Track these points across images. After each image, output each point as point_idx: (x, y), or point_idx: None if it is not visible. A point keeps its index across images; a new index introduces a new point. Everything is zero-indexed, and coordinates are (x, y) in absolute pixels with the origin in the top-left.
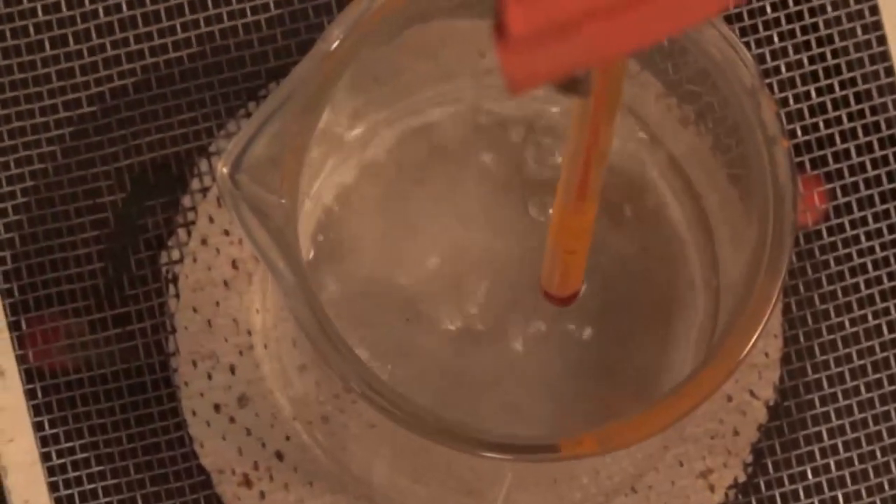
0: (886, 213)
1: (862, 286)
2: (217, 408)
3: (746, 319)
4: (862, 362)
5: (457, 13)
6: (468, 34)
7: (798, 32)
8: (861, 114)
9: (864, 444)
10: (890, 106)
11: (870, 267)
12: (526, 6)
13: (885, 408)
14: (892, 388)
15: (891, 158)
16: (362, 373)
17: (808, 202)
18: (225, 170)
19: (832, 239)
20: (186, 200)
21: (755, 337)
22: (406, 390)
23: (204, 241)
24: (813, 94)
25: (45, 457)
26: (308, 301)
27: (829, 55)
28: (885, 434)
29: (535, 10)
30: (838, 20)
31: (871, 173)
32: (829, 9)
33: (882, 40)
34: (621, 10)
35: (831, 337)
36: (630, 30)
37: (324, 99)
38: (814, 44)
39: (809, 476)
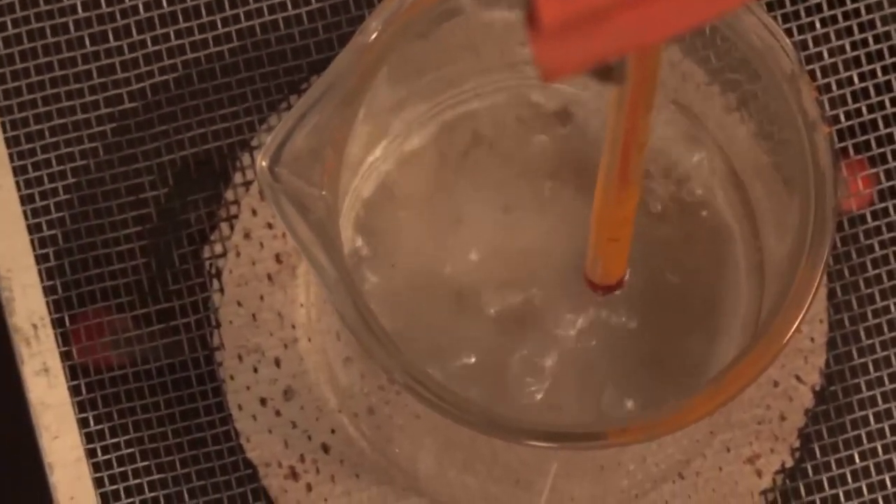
0: None
1: None
2: (263, 401)
3: (790, 304)
4: None
5: (494, 4)
6: (508, 25)
7: (840, 18)
8: None
9: None
10: None
11: None
12: None
13: None
14: None
15: None
16: (405, 365)
17: (852, 187)
18: (264, 163)
19: (876, 223)
20: (229, 194)
21: (798, 321)
22: (451, 381)
23: (247, 235)
24: (855, 79)
25: (91, 453)
26: (350, 294)
27: (871, 40)
28: None
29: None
30: (879, 5)
31: None
32: None
33: None
34: None
35: (877, 321)
36: (663, 17)
37: (363, 91)
38: (856, 29)
39: (857, 460)
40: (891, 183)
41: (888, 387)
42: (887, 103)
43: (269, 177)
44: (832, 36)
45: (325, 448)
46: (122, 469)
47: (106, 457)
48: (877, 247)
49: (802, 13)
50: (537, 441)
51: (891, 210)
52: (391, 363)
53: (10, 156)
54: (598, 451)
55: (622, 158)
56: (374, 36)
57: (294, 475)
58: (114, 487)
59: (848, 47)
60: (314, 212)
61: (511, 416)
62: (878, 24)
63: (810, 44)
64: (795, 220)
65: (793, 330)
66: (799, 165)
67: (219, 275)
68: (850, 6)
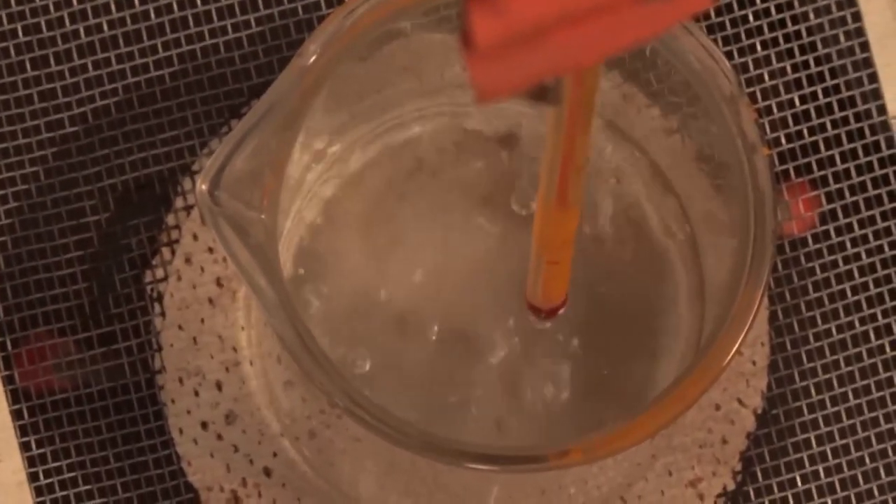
0: (872, 220)
1: (848, 293)
2: (204, 425)
3: (730, 326)
4: (849, 368)
5: (436, 28)
6: (449, 48)
7: (781, 40)
8: (845, 120)
9: (852, 450)
10: (874, 112)
11: (856, 273)
12: (491, 15)
13: (873, 413)
14: (880, 393)
15: (875, 165)
16: (345, 388)
17: (794, 210)
18: (204, 186)
19: (818, 246)
20: (170, 219)
21: (738, 343)
22: (392, 405)
23: (188, 260)
24: (797, 101)
25: (33, 476)
26: (290, 317)
27: (812, 63)
28: (873, 440)
29: (500, 19)
30: (821, 27)
31: (855, 180)
32: (811, 16)
33: (865, 46)
34: (588, 18)
35: (818, 344)
36: (597, 38)
37: (302, 114)
38: (797, 51)
39: (799, 483)
40: (832, 205)
41: (830, 410)
42: (828, 125)
43: (208, 200)
44: (773, 58)
45: (268, 472)
46: (64, 493)
47: (48, 480)
48: (818, 270)
49: (743, 35)
50: (476, 464)
51: (832, 233)
52: (330, 386)
53: None
54: (539, 474)
55: (561, 180)
56: (313, 58)
57: (236, 499)
58: None
59: (789, 69)
60: (254, 235)
61: (450, 438)
62: (819, 46)
63: (751, 66)
64: (735, 243)
65: (733, 352)
66: (738, 187)
67: (160, 299)
68: (791, 28)
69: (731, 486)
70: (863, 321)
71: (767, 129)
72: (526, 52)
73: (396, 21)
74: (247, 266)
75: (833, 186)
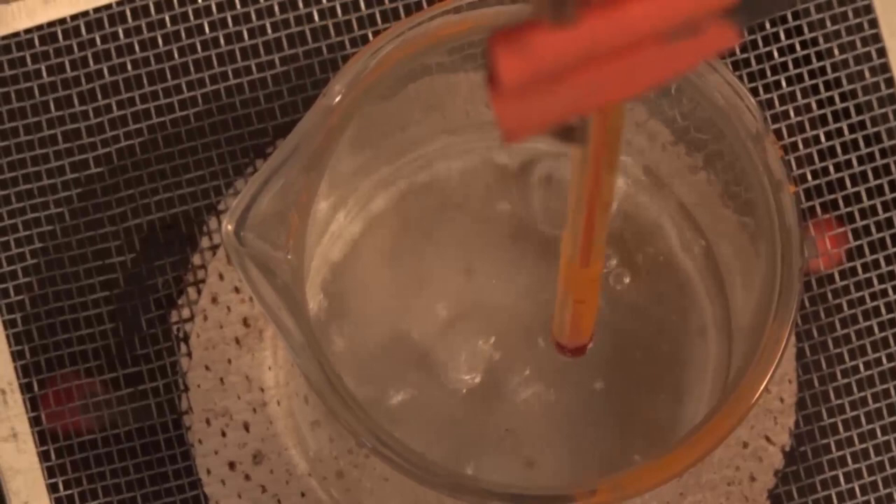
0: None
1: (876, 329)
2: (232, 465)
3: (757, 364)
4: (877, 405)
5: (460, 66)
6: (473, 86)
7: (806, 76)
8: (871, 157)
9: (881, 487)
10: None
11: (883, 310)
12: (517, 56)
13: None
14: None
15: None
16: (373, 428)
17: (821, 246)
18: (230, 227)
19: (845, 282)
20: (196, 259)
21: (766, 381)
22: (418, 444)
23: (214, 300)
24: (823, 137)
25: None
26: (316, 358)
27: (837, 99)
28: None
29: (525, 58)
30: (846, 63)
31: (882, 216)
32: (836, 52)
33: (890, 82)
34: (613, 57)
35: (846, 381)
36: (623, 77)
37: (328, 153)
38: (822, 87)
39: None
40: (859, 242)
41: (858, 447)
42: (854, 162)
43: (234, 241)
44: (798, 95)
45: None
46: None
47: None
48: (846, 306)
49: (768, 72)
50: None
51: (859, 269)
52: (358, 426)
53: None
54: None
55: (587, 219)
56: (338, 98)
57: None
58: None
59: (814, 105)
60: (279, 275)
61: (477, 478)
62: (844, 82)
63: (776, 102)
64: (762, 280)
65: (761, 390)
66: (765, 225)
67: (186, 339)
68: (815, 65)
69: None
70: (890, 358)
71: (794, 166)
72: (551, 91)
73: (421, 60)
74: (273, 306)
75: (860, 223)
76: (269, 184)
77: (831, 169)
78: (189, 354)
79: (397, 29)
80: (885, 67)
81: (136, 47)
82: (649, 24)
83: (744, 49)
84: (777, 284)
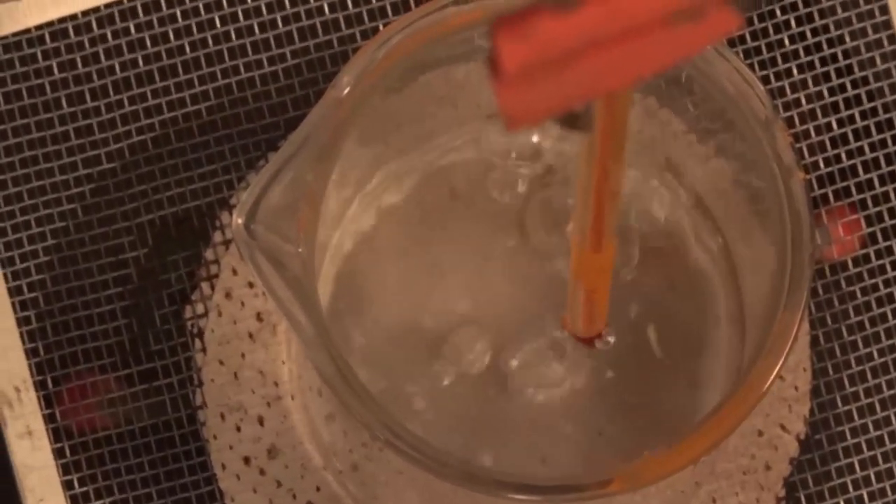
0: None
1: (890, 316)
2: (247, 460)
3: (769, 351)
4: (892, 392)
5: (471, 57)
6: (485, 78)
7: (817, 64)
8: (884, 143)
9: None
10: None
11: None
12: (519, 42)
13: None
14: None
15: None
16: (385, 420)
17: (834, 233)
18: (240, 220)
19: (858, 270)
20: (209, 254)
21: (778, 367)
22: (433, 436)
23: (228, 295)
24: (834, 125)
25: None
26: (328, 350)
27: (849, 86)
28: None
29: (527, 44)
30: (857, 50)
31: (895, 202)
32: (847, 39)
33: None
34: (616, 43)
35: (860, 368)
36: (626, 63)
37: (338, 145)
38: (833, 75)
39: None
40: (872, 229)
41: (873, 434)
42: (866, 149)
43: (244, 234)
44: (810, 82)
45: None
46: None
47: None
48: (859, 293)
49: (779, 59)
50: (517, 494)
51: (872, 256)
52: (370, 419)
53: None
54: None
55: (596, 208)
56: (347, 90)
57: None
58: None
59: (826, 93)
60: (290, 268)
61: (490, 468)
62: (856, 69)
63: (788, 91)
64: (773, 267)
65: (773, 377)
66: (775, 211)
67: (200, 334)
68: (827, 51)
69: None
70: None
71: (805, 154)
72: (554, 77)
73: (430, 51)
74: (284, 299)
75: (873, 210)
76: (279, 176)
77: (844, 156)
78: (203, 350)
79: (406, 19)
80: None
81: (148, 42)
82: (651, 8)
83: (755, 37)
84: (788, 271)
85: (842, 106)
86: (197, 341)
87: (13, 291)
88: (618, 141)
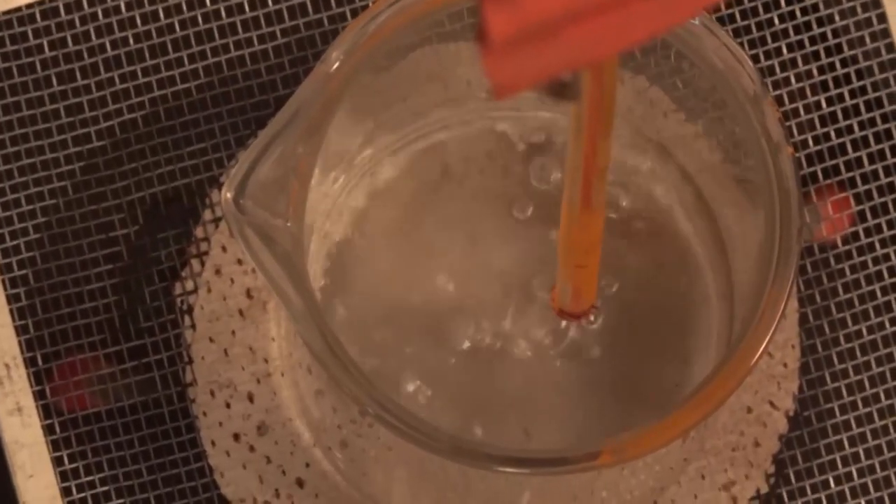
0: None
1: (878, 293)
2: (236, 437)
3: (757, 326)
4: (881, 369)
5: (461, 35)
6: (475, 56)
7: (807, 43)
8: (872, 122)
9: (885, 451)
10: None
11: (886, 274)
12: (505, 10)
13: None
14: None
15: None
16: (374, 394)
17: (823, 212)
18: (229, 195)
19: (847, 248)
20: (199, 231)
21: (765, 342)
22: (422, 412)
23: (218, 272)
24: (824, 103)
25: (66, 491)
26: (318, 325)
27: (838, 65)
28: None
29: (514, 13)
30: (847, 29)
31: (884, 181)
32: (837, 18)
33: (891, 48)
34: (601, 11)
35: (849, 345)
36: (611, 31)
37: (327, 121)
38: (823, 54)
39: (832, 485)
40: (861, 207)
41: (862, 411)
42: (856, 127)
43: (234, 209)
44: (799, 61)
45: (300, 483)
46: None
47: (81, 495)
48: (848, 271)
49: (769, 38)
50: (506, 467)
51: (861, 234)
52: (360, 393)
53: None
54: (571, 478)
55: (584, 183)
56: (336, 65)
57: None
58: None
59: (815, 72)
60: (280, 243)
61: (480, 441)
62: (846, 48)
63: (777, 69)
64: (762, 243)
65: (760, 351)
66: (764, 187)
67: (190, 311)
68: (816, 31)
69: (765, 489)
70: (893, 321)
71: (795, 132)
72: (540, 45)
73: (419, 27)
74: (273, 274)
75: (862, 188)
76: (268, 151)
77: (832, 135)
78: (193, 327)
79: None
80: (885, 33)
81: (138, 20)
82: None
83: (744, 16)
84: (776, 246)
85: (831, 84)
86: (186, 318)
87: (3, 268)
88: (606, 115)
